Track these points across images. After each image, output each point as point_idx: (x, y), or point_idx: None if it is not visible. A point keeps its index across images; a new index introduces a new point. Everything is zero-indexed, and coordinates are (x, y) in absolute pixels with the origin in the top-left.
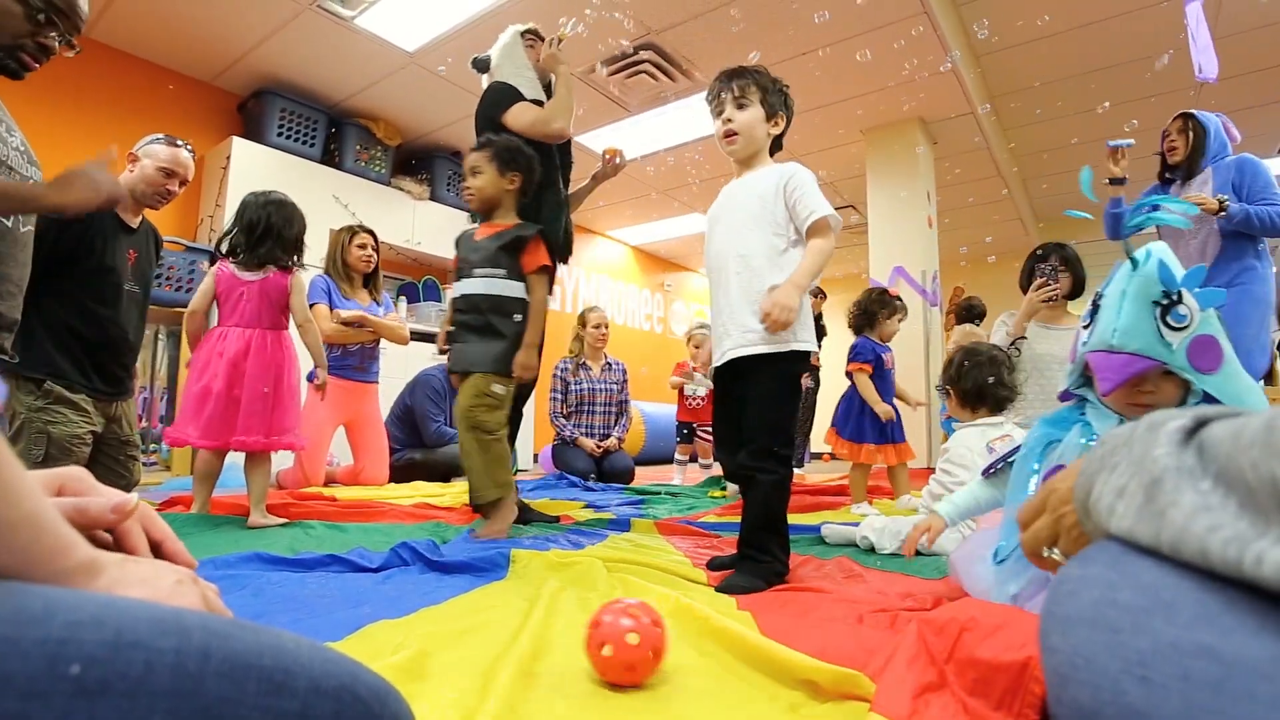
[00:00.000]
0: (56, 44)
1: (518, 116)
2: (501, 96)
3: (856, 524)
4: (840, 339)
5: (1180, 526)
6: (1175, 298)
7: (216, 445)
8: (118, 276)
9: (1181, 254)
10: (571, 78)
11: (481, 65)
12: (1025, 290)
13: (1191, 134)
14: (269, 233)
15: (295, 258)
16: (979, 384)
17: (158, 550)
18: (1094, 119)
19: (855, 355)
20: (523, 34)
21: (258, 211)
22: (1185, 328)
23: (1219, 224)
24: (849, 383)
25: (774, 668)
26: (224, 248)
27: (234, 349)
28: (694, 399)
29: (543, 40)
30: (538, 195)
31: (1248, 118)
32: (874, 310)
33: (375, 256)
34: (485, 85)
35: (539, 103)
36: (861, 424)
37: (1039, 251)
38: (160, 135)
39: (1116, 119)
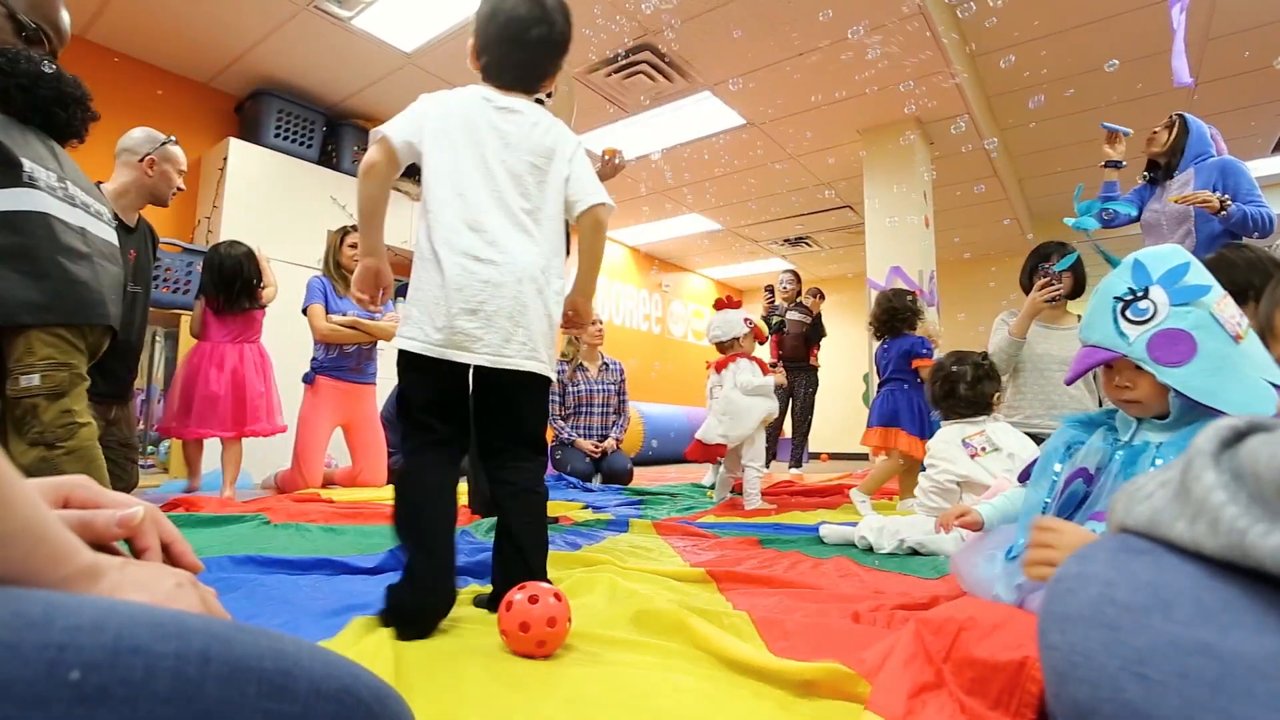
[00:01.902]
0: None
1: None
2: None
3: (855, 524)
4: (840, 339)
5: (1199, 499)
6: (1140, 293)
7: (236, 435)
8: (122, 279)
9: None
10: (573, 80)
11: None
12: (1026, 290)
13: (1175, 130)
14: (246, 285)
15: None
16: (935, 397)
17: (166, 551)
18: (1091, 119)
19: (928, 352)
20: (590, 72)
21: (233, 264)
22: (1146, 321)
23: (1196, 224)
24: (880, 380)
25: (766, 675)
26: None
27: (233, 361)
28: None
29: None
30: None
31: (1241, 118)
32: (917, 309)
33: None
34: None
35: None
36: (925, 421)
37: (1041, 250)
38: (158, 135)
39: (1113, 119)
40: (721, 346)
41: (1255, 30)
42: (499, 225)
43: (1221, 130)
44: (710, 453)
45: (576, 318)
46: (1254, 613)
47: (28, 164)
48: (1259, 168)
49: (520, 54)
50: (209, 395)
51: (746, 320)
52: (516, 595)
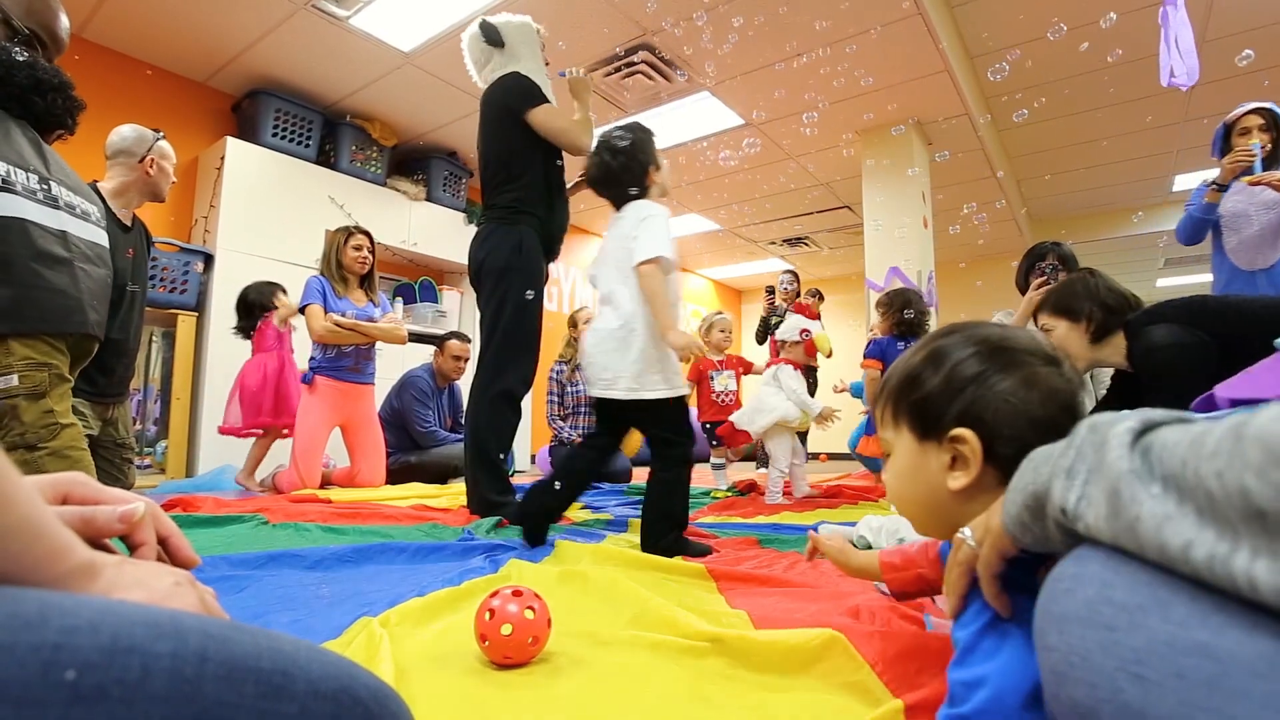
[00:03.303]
0: None
1: (550, 119)
2: (532, 91)
3: (853, 524)
4: (839, 340)
5: (1158, 545)
6: None
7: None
8: (122, 278)
9: (1238, 241)
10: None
11: (492, 36)
12: (1022, 289)
13: (1275, 130)
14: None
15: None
16: None
17: (163, 545)
18: (1089, 121)
19: None
20: (590, 71)
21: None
22: None
23: None
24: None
25: (759, 650)
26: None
27: (260, 367)
28: (726, 394)
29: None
30: (549, 196)
31: None
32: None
33: (371, 258)
34: (490, 60)
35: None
36: None
37: (1036, 250)
38: (148, 132)
39: (1112, 121)
40: (783, 345)
41: (1252, 32)
42: (607, 301)
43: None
44: (736, 437)
45: (680, 352)
46: (1250, 613)
47: (3, 167)
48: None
49: (608, 193)
50: (243, 392)
51: (804, 332)
52: (494, 602)
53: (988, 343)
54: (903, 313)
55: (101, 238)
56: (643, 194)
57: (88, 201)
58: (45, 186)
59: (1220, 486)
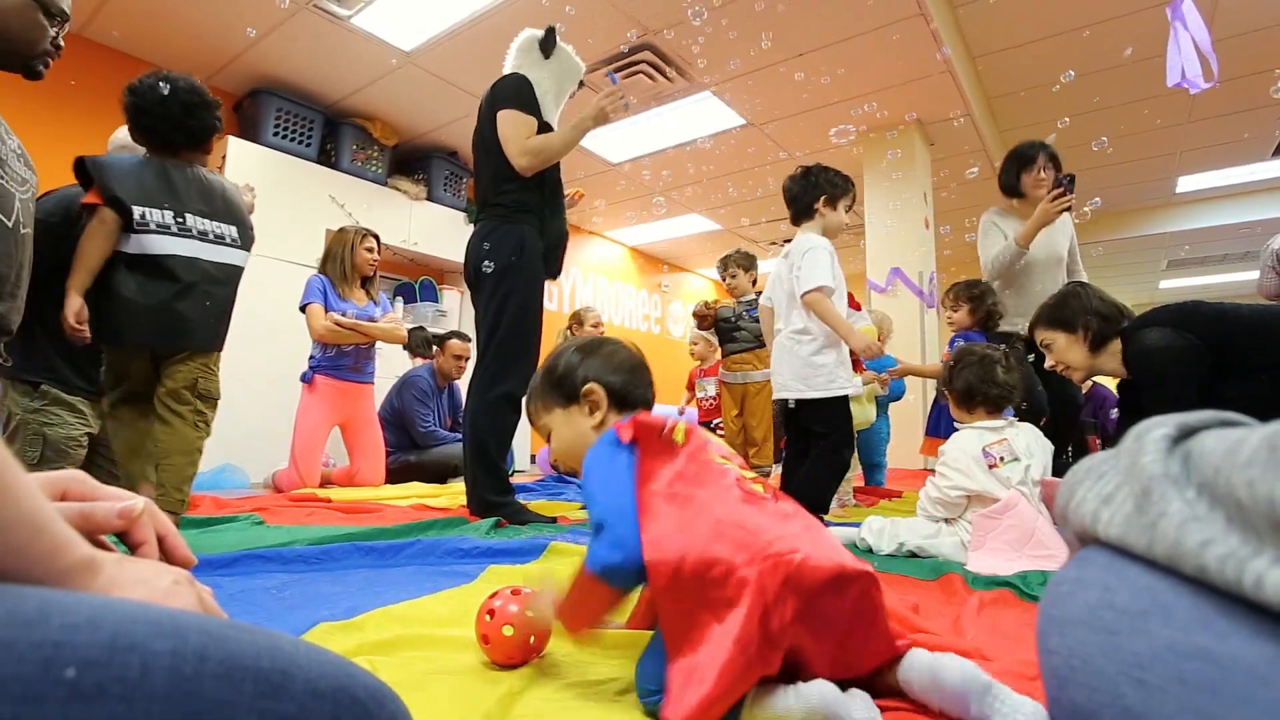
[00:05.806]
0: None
1: (506, 124)
2: (518, 92)
3: (857, 524)
4: None
5: (1173, 539)
6: None
7: None
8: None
9: None
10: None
11: (546, 43)
12: (1005, 190)
13: None
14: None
15: None
16: (969, 384)
17: (160, 545)
18: (1090, 121)
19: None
20: (589, 72)
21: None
22: None
23: None
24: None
25: None
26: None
27: None
28: (708, 399)
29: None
30: (541, 190)
31: (1240, 122)
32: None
33: (379, 260)
34: (519, 58)
35: (548, 127)
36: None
37: (1027, 153)
38: None
39: (1113, 120)
40: None
41: (1255, 34)
42: (779, 317)
43: (1220, 134)
44: None
45: (862, 353)
46: (1252, 619)
47: (138, 211)
48: (1257, 171)
49: (789, 209)
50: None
51: None
52: (496, 603)
53: (585, 344)
54: (994, 305)
55: (233, 257)
56: (809, 221)
57: (221, 223)
58: (180, 219)
59: (1250, 495)
